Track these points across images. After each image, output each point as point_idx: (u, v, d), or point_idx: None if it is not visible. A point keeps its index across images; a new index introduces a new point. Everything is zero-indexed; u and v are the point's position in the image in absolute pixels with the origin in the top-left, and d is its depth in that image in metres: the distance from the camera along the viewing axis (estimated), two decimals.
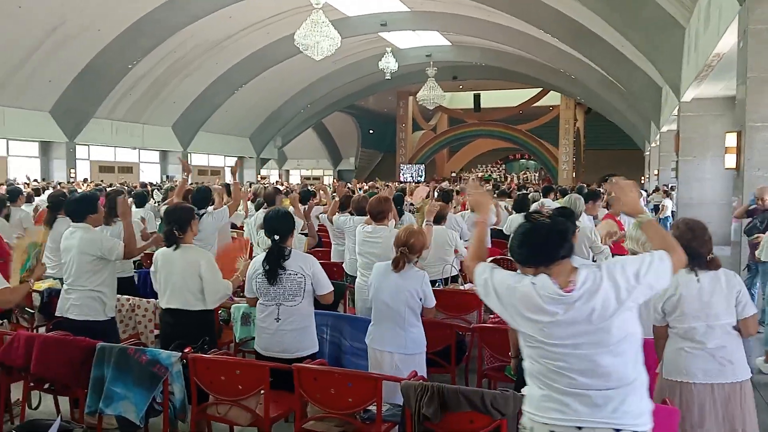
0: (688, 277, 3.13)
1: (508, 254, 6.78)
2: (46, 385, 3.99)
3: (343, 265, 6.38)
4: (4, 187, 12.45)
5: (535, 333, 2.16)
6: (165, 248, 4.01)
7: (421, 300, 3.77)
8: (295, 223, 3.96)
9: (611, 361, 2.10)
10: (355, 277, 5.50)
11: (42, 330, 5.00)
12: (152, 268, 4.10)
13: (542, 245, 2.17)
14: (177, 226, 3.93)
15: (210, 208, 5.80)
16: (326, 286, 3.83)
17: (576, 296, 2.11)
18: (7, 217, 6.87)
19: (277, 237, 3.75)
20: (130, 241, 4.23)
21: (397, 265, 3.74)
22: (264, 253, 3.81)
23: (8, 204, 7.09)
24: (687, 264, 3.06)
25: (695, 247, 3.10)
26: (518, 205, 7.94)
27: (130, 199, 7.64)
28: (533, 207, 8.39)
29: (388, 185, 13.90)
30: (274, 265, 3.70)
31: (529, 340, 2.21)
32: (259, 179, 29.55)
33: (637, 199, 2.42)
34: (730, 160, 7.47)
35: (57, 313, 4.27)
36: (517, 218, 7.72)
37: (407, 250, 3.75)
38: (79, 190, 11.94)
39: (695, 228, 3.17)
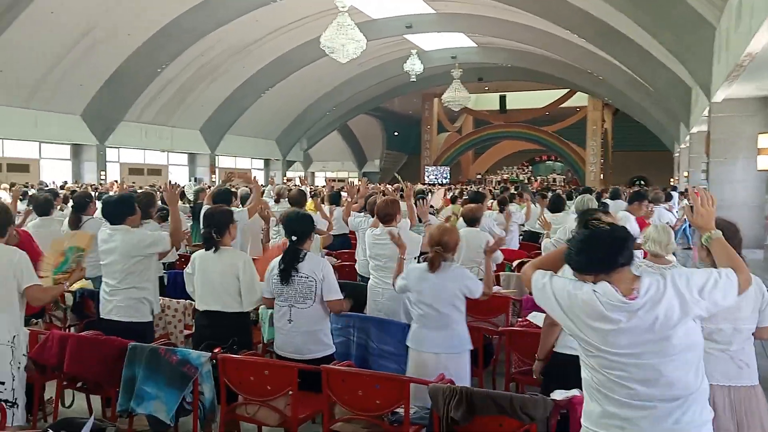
0: None
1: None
2: (79, 384, 4.06)
3: (356, 266, 6.38)
4: (33, 190, 12.65)
5: (597, 341, 2.12)
6: (203, 251, 4.04)
7: (466, 296, 3.73)
8: (315, 225, 3.98)
9: (674, 371, 2.07)
10: (365, 277, 5.51)
11: (74, 329, 5.10)
12: (188, 269, 4.12)
13: (602, 252, 2.13)
14: (215, 229, 3.96)
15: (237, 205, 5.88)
16: (335, 292, 3.79)
17: (639, 304, 2.07)
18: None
19: (294, 238, 3.77)
20: (176, 230, 4.26)
21: (433, 265, 3.68)
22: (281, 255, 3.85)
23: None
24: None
25: None
26: (553, 205, 7.85)
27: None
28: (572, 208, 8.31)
29: (407, 184, 13.85)
30: (288, 266, 3.73)
31: (589, 349, 2.17)
32: (285, 181, 29.75)
33: (712, 215, 2.36)
34: (764, 162, 7.34)
35: (102, 316, 4.24)
36: (549, 218, 7.66)
37: (442, 249, 3.70)
38: (111, 192, 12.07)
39: (726, 228, 3.12)
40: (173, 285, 5.84)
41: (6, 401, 3.24)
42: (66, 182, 18.84)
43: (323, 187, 19.65)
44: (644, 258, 3.86)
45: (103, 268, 4.26)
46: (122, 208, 4.28)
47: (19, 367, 3.35)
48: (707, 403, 2.15)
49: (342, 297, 3.86)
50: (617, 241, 2.14)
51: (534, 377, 3.62)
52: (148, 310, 4.24)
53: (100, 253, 4.27)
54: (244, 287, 3.89)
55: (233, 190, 8.00)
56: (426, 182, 33.88)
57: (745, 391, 3.05)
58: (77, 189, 13.31)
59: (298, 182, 18.21)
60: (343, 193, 10.21)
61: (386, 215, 5.08)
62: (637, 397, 2.08)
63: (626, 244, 2.15)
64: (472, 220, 6.12)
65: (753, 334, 3.11)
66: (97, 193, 10.74)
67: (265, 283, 3.89)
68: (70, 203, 9.67)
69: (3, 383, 3.26)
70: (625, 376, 2.09)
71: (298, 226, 3.82)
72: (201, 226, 4.25)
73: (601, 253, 2.13)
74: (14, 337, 3.31)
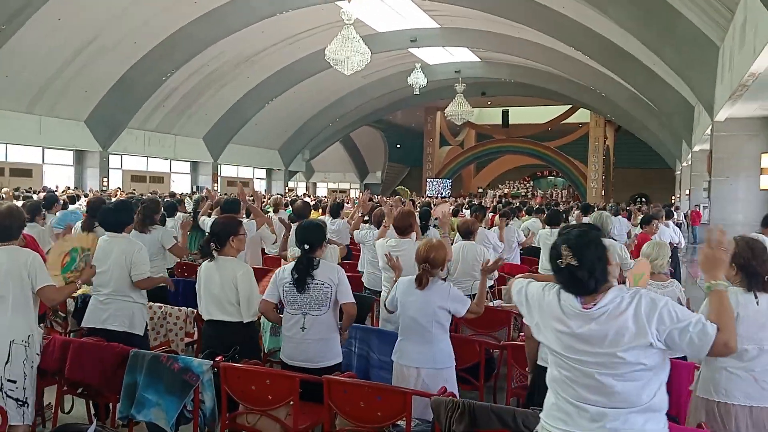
0: (747, 298, 3.05)
1: (539, 270, 6.75)
2: (79, 390, 4.04)
3: (362, 279, 6.36)
4: (42, 194, 12.71)
5: (552, 341, 2.24)
6: (207, 261, 4.01)
7: (450, 313, 3.71)
8: (326, 234, 3.98)
9: (618, 383, 2.10)
10: (373, 290, 5.48)
11: (74, 335, 5.08)
12: (197, 283, 4.08)
13: (572, 284, 2.19)
14: (215, 238, 3.94)
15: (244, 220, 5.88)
16: (349, 296, 3.83)
17: (594, 314, 2.14)
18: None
19: (307, 246, 3.77)
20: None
21: (421, 282, 3.67)
22: (293, 262, 3.83)
23: (44, 211, 7.18)
24: (746, 284, 3.03)
25: (754, 267, 3.04)
26: (550, 220, 7.89)
27: None
28: (570, 221, 8.35)
29: (412, 200, 13.86)
30: (303, 274, 3.73)
31: (548, 347, 2.28)
32: (287, 191, 29.81)
33: (721, 263, 2.26)
34: (766, 181, 7.36)
35: (90, 325, 4.19)
36: (546, 233, 7.69)
37: (429, 266, 3.69)
38: (114, 199, 12.10)
39: (755, 247, 3.10)
40: (175, 293, 5.82)
41: (17, 400, 3.27)
42: (68, 187, 18.86)
43: (325, 197, 19.66)
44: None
45: (98, 276, 4.17)
46: (122, 217, 4.32)
47: (32, 366, 3.38)
48: (658, 419, 2.15)
49: (354, 301, 3.88)
50: (579, 282, 2.15)
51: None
52: (142, 323, 4.25)
53: (96, 260, 4.17)
54: (243, 298, 3.85)
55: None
56: (427, 195, 33.94)
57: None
58: (78, 194, 13.34)
59: (302, 194, 18.33)
60: (347, 205, 10.24)
61: (407, 227, 5.09)
62: (578, 399, 2.16)
63: (588, 283, 2.15)
64: (467, 233, 6.11)
65: None
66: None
67: (270, 287, 3.86)
68: (71, 208, 9.72)
69: (15, 382, 3.29)
70: (571, 377, 2.18)
71: (311, 235, 3.82)
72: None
73: (571, 284, 2.19)
74: (29, 336, 3.34)
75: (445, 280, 3.95)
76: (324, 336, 3.77)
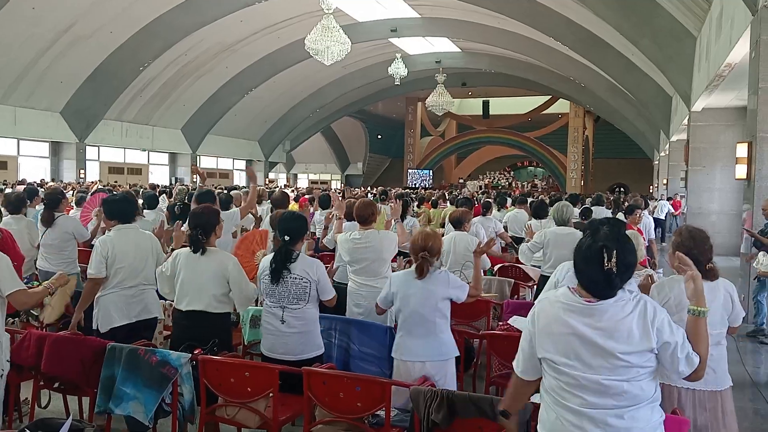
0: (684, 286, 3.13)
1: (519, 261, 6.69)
2: (56, 385, 4.00)
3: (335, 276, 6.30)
4: (21, 187, 12.50)
5: (553, 350, 2.12)
6: (186, 250, 3.93)
7: (452, 300, 3.64)
8: (308, 227, 3.97)
9: (623, 386, 2.06)
10: (343, 284, 5.45)
11: (50, 329, 5.02)
12: (163, 269, 4.00)
13: (600, 288, 2.10)
14: (201, 230, 3.85)
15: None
16: (330, 292, 3.86)
17: (597, 310, 2.06)
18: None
19: (287, 238, 3.74)
20: None
21: (422, 271, 3.57)
22: (272, 254, 3.81)
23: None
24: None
25: (695, 255, 3.10)
26: (536, 211, 7.88)
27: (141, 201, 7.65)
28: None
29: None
30: (280, 266, 3.70)
31: (550, 361, 2.16)
32: (267, 182, 29.65)
33: (701, 292, 2.30)
34: (741, 171, 7.44)
35: (122, 322, 4.10)
36: (535, 224, 7.67)
37: (428, 254, 3.58)
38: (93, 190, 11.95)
39: (696, 236, 3.18)
40: None
41: None
42: (53, 179, 18.60)
43: (306, 188, 19.60)
44: None
45: (122, 270, 4.10)
46: (132, 206, 4.36)
47: (1, 375, 3.26)
48: (658, 407, 2.15)
49: (335, 294, 3.92)
50: (612, 289, 2.08)
51: None
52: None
53: (116, 254, 4.08)
54: (235, 289, 3.80)
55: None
56: (411, 186, 34.00)
57: (710, 395, 3.10)
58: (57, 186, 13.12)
59: (282, 185, 18.21)
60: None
61: (371, 215, 5.04)
62: (587, 406, 2.07)
63: (616, 290, 2.10)
64: (458, 223, 6.13)
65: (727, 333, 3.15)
66: (75, 192, 10.58)
67: (259, 282, 3.89)
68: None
69: None
70: (575, 384, 2.08)
71: (292, 226, 3.79)
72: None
73: (601, 288, 2.10)
74: None
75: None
76: (304, 329, 3.76)
